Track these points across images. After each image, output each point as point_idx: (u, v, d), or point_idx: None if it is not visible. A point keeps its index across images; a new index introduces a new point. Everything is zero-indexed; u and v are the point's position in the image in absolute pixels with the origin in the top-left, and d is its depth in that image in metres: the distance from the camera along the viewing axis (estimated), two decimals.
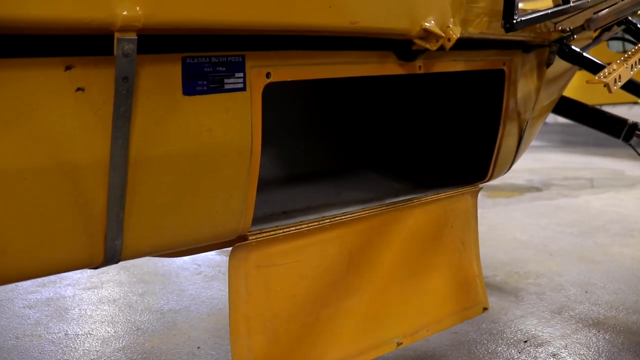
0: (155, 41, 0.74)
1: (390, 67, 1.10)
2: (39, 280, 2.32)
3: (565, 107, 2.10)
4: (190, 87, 0.81)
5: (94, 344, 1.75)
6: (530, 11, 1.41)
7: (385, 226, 1.33)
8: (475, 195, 1.64)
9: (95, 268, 0.84)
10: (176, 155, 0.82)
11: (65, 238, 0.73)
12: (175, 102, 0.80)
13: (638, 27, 2.02)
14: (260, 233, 1.04)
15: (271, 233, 1.07)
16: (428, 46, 1.05)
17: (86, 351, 1.70)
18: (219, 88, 0.85)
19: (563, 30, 1.59)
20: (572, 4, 1.45)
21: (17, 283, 1.96)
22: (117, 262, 0.84)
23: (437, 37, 1.04)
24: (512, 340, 1.76)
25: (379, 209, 1.30)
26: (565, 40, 1.62)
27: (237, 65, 0.86)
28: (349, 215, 1.21)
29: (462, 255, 1.58)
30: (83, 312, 2.01)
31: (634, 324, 1.89)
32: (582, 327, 1.87)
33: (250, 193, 0.94)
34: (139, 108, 0.73)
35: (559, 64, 1.87)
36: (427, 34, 1.04)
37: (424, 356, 1.66)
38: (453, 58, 1.29)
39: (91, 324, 1.91)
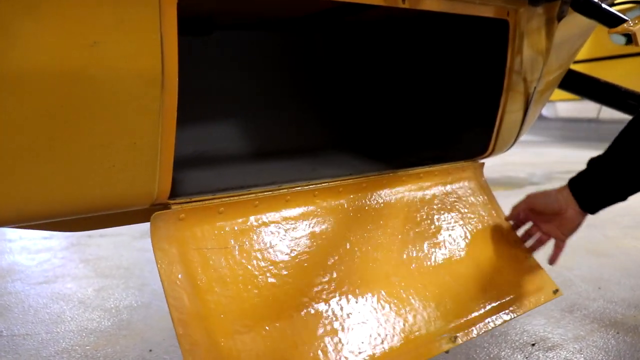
0: None
1: None
2: None
3: (572, 80, 1.86)
4: None
5: (29, 346, 1.50)
6: None
7: (375, 199, 1.09)
8: (479, 169, 1.40)
9: None
10: (38, 76, 0.57)
11: None
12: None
13: None
14: (190, 202, 0.79)
15: (209, 201, 0.82)
16: None
17: (17, 356, 1.45)
18: None
19: None
20: None
21: None
22: None
23: None
24: (517, 344, 1.52)
25: (361, 178, 1.06)
26: None
27: None
28: (319, 185, 0.97)
29: (493, 243, 1.32)
30: (27, 309, 1.76)
31: None
32: (598, 327, 1.63)
33: (167, 143, 0.69)
34: None
35: (571, 24, 1.62)
36: None
37: None
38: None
39: (33, 323, 1.66)
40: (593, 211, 1.13)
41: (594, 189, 1.11)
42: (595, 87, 1.93)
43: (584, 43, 1.85)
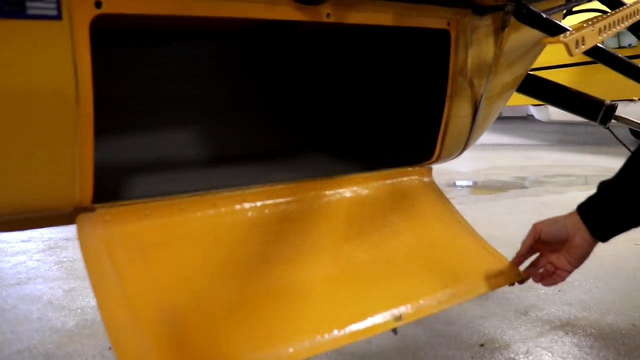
0: None
1: (283, 11, 0.90)
2: None
3: (535, 86, 1.90)
4: None
5: None
6: None
7: (313, 200, 1.14)
8: (426, 174, 1.44)
9: None
10: None
11: None
12: None
13: None
14: (115, 205, 0.84)
15: (135, 205, 0.87)
16: None
17: None
18: (19, 12, 0.65)
19: None
20: None
21: None
22: None
23: None
24: (466, 344, 1.56)
25: (294, 183, 1.10)
26: (522, 0, 1.42)
27: None
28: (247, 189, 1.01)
29: (445, 232, 1.34)
30: None
31: (608, 325, 1.69)
32: (548, 329, 1.67)
33: (85, 152, 0.74)
34: None
35: (525, 33, 1.66)
36: None
37: (361, 359, 1.46)
38: (376, 8, 1.09)
39: (1, 322, 1.71)
40: (605, 238, 1.04)
41: (607, 215, 1.03)
42: (556, 92, 1.98)
43: (541, 50, 1.90)
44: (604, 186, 1.05)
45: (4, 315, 1.76)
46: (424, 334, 1.61)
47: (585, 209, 1.05)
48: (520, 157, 6.25)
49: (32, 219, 0.80)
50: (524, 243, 1.12)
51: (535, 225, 1.10)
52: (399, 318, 0.99)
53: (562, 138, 8.65)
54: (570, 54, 1.32)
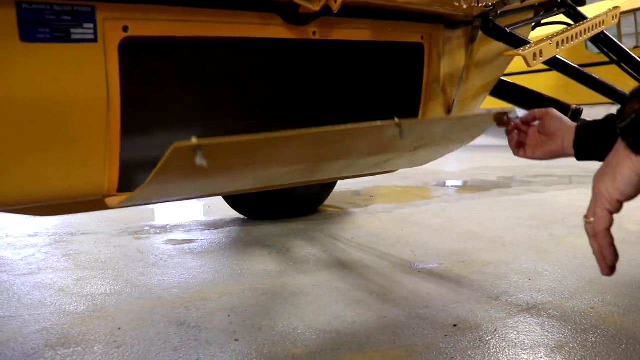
0: None
1: (275, 30, 1.07)
2: None
3: (504, 90, 2.08)
4: (29, 33, 0.78)
5: (13, 326, 1.71)
6: None
7: None
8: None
9: None
10: (18, 101, 0.79)
11: None
12: (12, 47, 0.77)
13: (577, 10, 2.01)
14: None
15: None
16: (310, 6, 1.02)
17: (2, 333, 1.66)
18: (66, 38, 0.82)
19: (486, 5, 1.57)
20: None
21: None
22: None
23: None
24: (440, 324, 1.73)
25: None
26: (488, 15, 1.60)
27: (86, 15, 0.83)
28: None
29: None
30: (12, 296, 1.97)
31: (570, 308, 1.86)
32: (516, 312, 1.84)
33: (112, 151, 0.91)
34: None
35: (492, 45, 1.84)
36: None
37: (346, 337, 1.62)
38: (357, 26, 1.26)
39: (16, 308, 1.87)
40: (583, 157, 1.11)
41: (595, 135, 1.08)
42: (524, 96, 2.16)
43: (510, 60, 2.08)
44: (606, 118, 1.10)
45: (20, 300, 1.92)
46: (403, 316, 1.79)
47: (580, 127, 1.13)
48: (505, 158, 6.45)
49: (70, 205, 0.96)
50: (523, 117, 1.21)
51: (545, 111, 1.18)
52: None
53: None
54: (528, 65, 1.50)
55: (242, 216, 3.26)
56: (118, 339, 1.62)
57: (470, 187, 4.59)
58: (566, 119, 1.17)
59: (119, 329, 1.69)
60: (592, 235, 0.73)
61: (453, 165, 5.57)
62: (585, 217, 0.73)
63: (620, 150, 0.68)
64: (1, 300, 1.93)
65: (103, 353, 1.53)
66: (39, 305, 1.88)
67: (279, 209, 3.13)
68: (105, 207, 0.97)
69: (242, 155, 0.80)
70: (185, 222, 3.25)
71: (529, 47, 1.51)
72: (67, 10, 0.81)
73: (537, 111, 1.21)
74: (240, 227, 3.03)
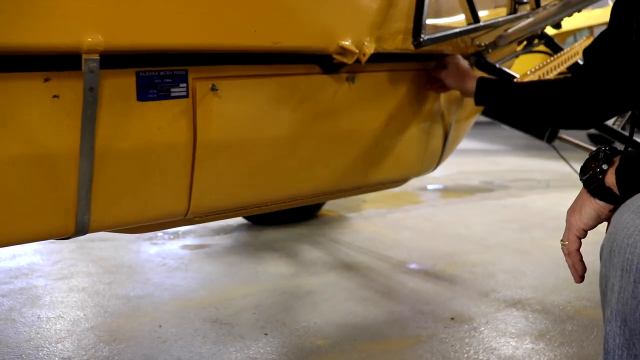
0: (115, 59, 0.95)
1: (317, 78, 1.32)
2: (12, 272, 2.48)
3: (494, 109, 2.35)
4: (143, 94, 1.02)
5: (64, 325, 1.93)
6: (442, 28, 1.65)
7: None
8: None
9: (67, 238, 1.04)
10: (132, 147, 1.03)
11: (45, 213, 0.93)
12: (131, 106, 1.01)
13: (554, 42, 2.29)
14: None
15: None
16: (345, 60, 1.27)
17: (57, 331, 1.88)
18: (167, 95, 1.06)
19: (478, 45, 1.84)
20: (481, 24, 1.69)
21: None
22: (85, 233, 1.04)
23: (352, 53, 1.26)
24: (440, 318, 2.00)
25: None
26: (482, 53, 1.87)
27: (181, 77, 1.07)
28: None
29: None
30: (54, 299, 2.19)
31: (550, 303, 2.14)
32: (504, 306, 2.12)
33: (195, 181, 1.15)
34: (102, 111, 0.94)
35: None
36: (344, 50, 1.26)
37: (360, 330, 1.88)
38: (375, 68, 1.51)
39: (62, 308, 2.09)
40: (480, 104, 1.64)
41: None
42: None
43: None
44: None
45: (63, 302, 2.14)
46: (407, 311, 2.05)
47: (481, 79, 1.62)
48: (486, 162, 6.76)
49: (158, 224, 1.20)
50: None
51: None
52: None
53: (525, 143, 9.18)
54: None
55: (246, 221, 3.50)
56: (162, 335, 1.85)
57: (455, 191, 4.87)
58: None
59: (160, 326, 1.92)
60: (567, 254, 0.98)
61: (437, 170, 5.83)
62: (561, 240, 0.99)
63: (583, 194, 0.95)
64: (46, 303, 2.15)
65: (152, 347, 1.76)
66: (81, 306, 2.11)
67: (282, 214, 3.36)
68: (185, 223, 1.20)
69: None
70: (195, 227, 3.47)
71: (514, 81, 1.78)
72: (169, 75, 1.04)
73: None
74: (246, 232, 3.26)
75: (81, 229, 1.01)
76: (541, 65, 1.98)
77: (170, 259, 2.71)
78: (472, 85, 1.60)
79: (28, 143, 0.88)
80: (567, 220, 0.98)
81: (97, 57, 0.87)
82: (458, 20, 1.74)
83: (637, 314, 0.77)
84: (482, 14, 1.73)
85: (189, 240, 3.07)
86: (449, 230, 3.29)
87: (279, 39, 1.10)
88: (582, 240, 0.97)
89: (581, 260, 0.98)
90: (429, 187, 5.11)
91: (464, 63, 1.68)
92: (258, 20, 1.05)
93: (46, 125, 0.89)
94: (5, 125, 0.85)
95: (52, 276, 2.45)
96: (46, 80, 0.87)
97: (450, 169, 6.03)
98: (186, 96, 1.08)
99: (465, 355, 1.71)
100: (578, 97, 1.37)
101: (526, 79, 1.84)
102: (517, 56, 2.25)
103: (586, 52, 1.34)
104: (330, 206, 4.00)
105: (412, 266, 2.61)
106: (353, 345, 1.78)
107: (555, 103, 1.44)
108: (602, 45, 1.29)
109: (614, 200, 0.91)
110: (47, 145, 0.90)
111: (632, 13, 1.14)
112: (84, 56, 0.86)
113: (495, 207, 3.99)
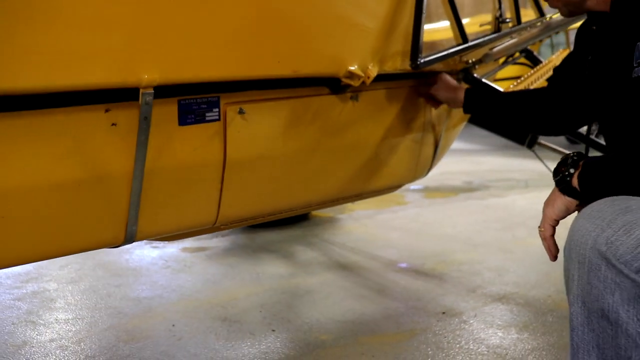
0: (162, 90, 1.09)
1: (326, 98, 1.47)
2: (22, 277, 2.59)
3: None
4: (184, 119, 1.16)
5: (83, 326, 2.06)
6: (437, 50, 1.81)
7: None
8: None
9: (117, 246, 1.18)
10: (173, 166, 1.17)
11: (102, 225, 1.07)
12: (174, 130, 1.15)
13: (533, 55, 2.47)
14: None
15: None
16: (352, 83, 1.43)
17: (77, 332, 2.01)
18: (202, 119, 1.20)
19: (466, 62, 2.01)
20: (470, 44, 1.86)
21: None
22: (131, 242, 1.18)
23: (358, 76, 1.42)
24: (432, 312, 2.17)
25: None
26: (469, 69, 2.04)
27: (214, 103, 1.22)
28: None
29: None
30: (68, 301, 2.31)
31: (532, 297, 2.32)
32: (490, 301, 2.29)
33: (224, 194, 1.30)
34: (151, 135, 1.08)
35: None
36: (352, 74, 1.42)
37: (360, 325, 2.04)
38: (378, 87, 1.67)
39: (77, 310, 2.21)
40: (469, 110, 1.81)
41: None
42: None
43: None
44: None
45: (77, 305, 2.26)
46: (401, 307, 2.21)
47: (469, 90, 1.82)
48: (468, 162, 6.96)
49: (190, 232, 1.34)
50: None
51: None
52: None
53: (504, 143, 9.39)
54: None
55: None
56: (176, 334, 1.99)
57: (440, 191, 5.05)
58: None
59: (173, 325, 2.05)
60: (543, 238, 1.17)
61: None
62: (539, 227, 1.19)
63: (556, 191, 1.16)
64: (61, 305, 2.27)
65: (169, 344, 1.90)
66: (95, 307, 2.23)
67: None
68: (213, 231, 1.34)
69: None
70: None
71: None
72: (204, 101, 1.18)
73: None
74: (242, 234, 3.40)
75: (129, 238, 1.15)
76: (522, 79, 2.16)
77: (172, 261, 2.83)
78: (461, 95, 1.79)
79: (90, 166, 1.01)
80: (543, 211, 1.18)
81: (152, 90, 1.01)
82: (448, 37, 1.90)
83: (591, 296, 0.97)
84: (469, 31, 1.90)
85: (188, 243, 3.20)
86: (436, 230, 3.47)
87: (298, 68, 1.25)
88: (555, 227, 1.17)
89: (555, 244, 1.17)
90: (413, 187, 5.30)
91: (451, 78, 1.86)
92: (281, 53, 1.20)
93: (105, 150, 1.03)
94: (72, 151, 0.98)
95: (62, 280, 2.56)
96: (107, 110, 1.01)
97: (433, 170, 6.22)
98: (218, 119, 1.22)
99: (457, 346, 1.88)
100: (547, 109, 1.63)
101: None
102: (500, 69, 2.43)
103: (555, 70, 1.58)
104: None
105: (403, 265, 2.77)
106: (354, 339, 1.94)
107: (530, 111, 1.69)
108: (565, 68, 1.56)
109: (580, 197, 1.12)
110: (104, 167, 1.03)
111: (587, 47, 1.35)
112: (141, 90, 1.00)
113: (479, 207, 4.18)
